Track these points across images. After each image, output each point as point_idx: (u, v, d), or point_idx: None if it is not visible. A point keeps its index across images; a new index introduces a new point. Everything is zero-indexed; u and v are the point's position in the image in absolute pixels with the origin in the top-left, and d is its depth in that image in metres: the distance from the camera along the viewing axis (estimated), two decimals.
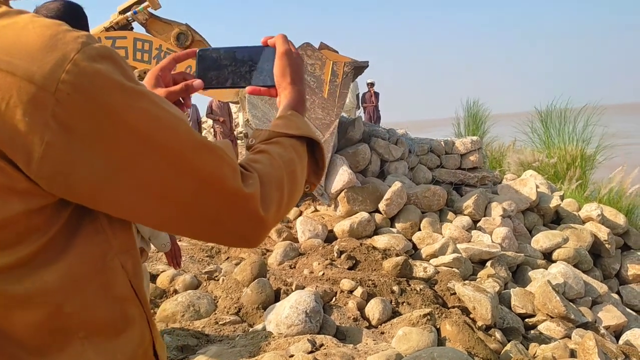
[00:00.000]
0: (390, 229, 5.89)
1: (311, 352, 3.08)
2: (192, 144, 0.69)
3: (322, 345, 3.24)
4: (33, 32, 0.62)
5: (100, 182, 0.64)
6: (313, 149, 0.91)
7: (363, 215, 5.71)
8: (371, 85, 12.95)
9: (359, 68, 6.29)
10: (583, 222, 7.09)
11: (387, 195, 5.99)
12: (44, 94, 0.59)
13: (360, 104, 13.04)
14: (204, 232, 0.74)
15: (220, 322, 3.94)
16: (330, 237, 5.78)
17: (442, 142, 7.84)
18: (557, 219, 7.35)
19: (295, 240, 5.70)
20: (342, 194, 5.96)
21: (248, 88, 1.01)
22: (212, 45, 6.72)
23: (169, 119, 0.68)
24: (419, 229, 6.01)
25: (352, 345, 3.38)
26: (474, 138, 8.05)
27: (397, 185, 6.13)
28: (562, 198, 7.48)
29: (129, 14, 6.02)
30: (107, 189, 0.65)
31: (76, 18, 1.73)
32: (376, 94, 13.02)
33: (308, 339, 3.19)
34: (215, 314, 4.11)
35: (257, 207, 0.74)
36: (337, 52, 6.71)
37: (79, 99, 0.61)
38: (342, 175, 5.88)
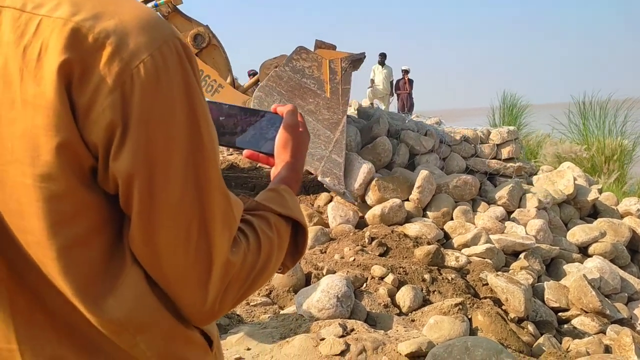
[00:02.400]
0: (422, 218, 5.83)
1: (342, 336, 3.09)
2: (217, 179, 0.70)
3: (352, 329, 3.24)
4: (133, 9, 0.65)
5: (134, 165, 0.64)
6: (297, 230, 0.88)
7: (395, 201, 5.67)
8: (406, 72, 12.80)
9: (357, 61, 6.19)
10: (621, 217, 6.89)
11: (417, 183, 5.92)
12: (124, 65, 0.62)
13: (394, 91, 12.92)
14: (166, 272, 0.69)
15: (251, 304, 3.99)
16: (361, 224, 5.76)
17: (477, 132, 7.70)
18: (594, 213, 7.17)
19: (326, 225, 5.71)
20: (373, 182, 5.92)
21: (246, 152, 0.99)
22: (227, 51, 6.71)
23: (211, 148, 0.69)
24: (452, 218, 5.94)
25: (382, 331, 3.38)
26: (511, 128, 7.88)
27: (424, 172, 6.04)
28: (600, 191, 7.28)
29: (150, 4, 6.04)
30: (136, 175, 0.64)
31: None
32: (410, 81, 12.86)
33: (339, 323, 3.20)
34: None
35: (224, 278, 0.70)
36: (334, 47, 6.65)
37: (150, 85, 0.63)
38: (362, 169, 5.85)
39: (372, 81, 12.88)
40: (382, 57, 12.72)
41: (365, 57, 6.55)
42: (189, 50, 0.68)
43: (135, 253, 0.68)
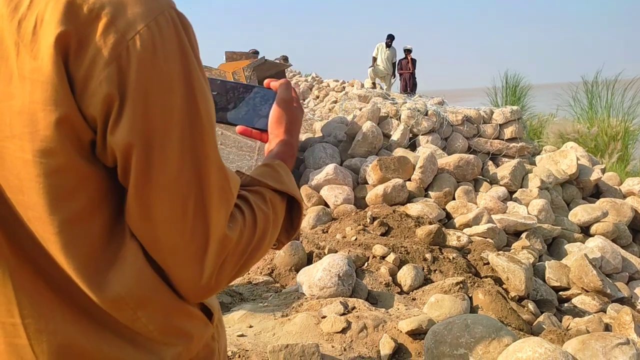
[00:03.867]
0: (425, 198, 5.84)
1: (343, 314, 3.11)
2: (214, 152, 0.69)
3: (354, 307, 3.26)
4: None
5: (132, 137, 0.63)
6: (292, 206, 0.87)
7: (397, 180, 5.67)
8: (408, 52, 12.67)
9: (259, 65, 6.15)
10: (624, 197, 6.89)
11: (419, 163, 5.93)
12: (119, 37, 0.61)
13: (396, 71, 12.81)
14: (168, 243, 0.68)
15: (253, 282, 4.01)
16: (363, 204, 5.77)
17: (480, 112, 7.66)
18: (596, 193, 7.16)
19: (325, 205, 5.73)
20: (375, 162, 5.92)
21: (239, 127, 0.98)
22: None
23: (209, 121, 0.68)
24: (454, 198, 5.94)
25: (383, 309, 3.40)
26: (514, 108, 7.84)
27: (426, 152, 6.05)
28: (603, 171, 7.26)
29: None
30: (135, 146, 0.63)
31: None
32: (413, 61, 12.74)
33: (340, 302, 3.22)
34: (249, 274, 4.19)
35: (221, 252, 0.70)
36: (245, 53, 6.76)
37: (146, 57, 0.62)
38: (327, 169, 6.05)
39: (374, 59, 12.77)
40: (390, 39, 12.59)
41: (265, 59, 6.76)
42: (186, 21, 0.67)
43: (132, 227, 0.67)
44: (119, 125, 0.62)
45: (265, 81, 0.99)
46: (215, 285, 0.71)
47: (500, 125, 7.60)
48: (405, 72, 12.63)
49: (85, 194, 0.65)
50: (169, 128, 0.64)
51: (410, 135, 7.19)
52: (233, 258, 0.72)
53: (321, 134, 7.65)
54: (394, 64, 12.72)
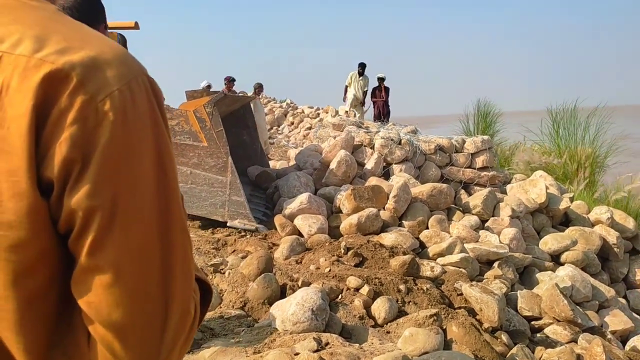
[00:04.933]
0: (398, 228, 5.85)
1: (317, 350, 3.06)
2: (181, 223, 0.67)
3: (327, 343, 3.21)
4: (101, 45, 0.63)
5: (79, 204, 0.60)
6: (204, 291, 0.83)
7: (371, 210, 5.68)
8: (381, 80, 12.86)
9: (219, 101, 6.29)
10: (592, 225, 7.02)
11: (393, 192, 5.96)
12: (88, 99, 0.59)
13: (370, 99, 12.98)
14: (117, 321, 0.62)
15: (225, 317, 3.93)
16: (336, 233, 5.75)
17: (452, 141, 7.78)
18: (566, 221, 7.29)
19: (299, 234, 5.69)
20: (349, 191, 5.95)
21: None
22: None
23: (175, 189, 0.67)
24: (427, 227, 5.97)
25: (357, 344, 3.36)
26: (485, 137, 7.99)
27: (400, 181, 6.10)
28: (571, 200, 7.41)
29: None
30: (80, 213, 0.60)
31: (95, 9, 1.69)
32: (386, 89, 12.93)
33: (314, 337, 3.17)
34: (221, 307, 4.11)
35: (183, 329, 0.67)
36: (205, 90, 6.91)
37: (117, 119, 0.60)
38: (300, 198, 6.09)
39: (347, 88, 12.92)
40: (362, 68, 12.78)
41: (224, 94, 6.89)
42: (157, 88, 0.66)
43: (78, 298, 0.62)
44: (79, 188, 0.59)
45: None
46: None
47: (472, 154, 7.72)
48: (378, 100, 12.80)
49: (46, 268, 0.62)
50: (136, 193, 0.62)
51: (384, 164, 7.24)
52: (185, 337, 0.68)
53: (294, 162, 7.64)
54: (365, 92, 12.90)
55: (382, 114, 12.58)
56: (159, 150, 0.64)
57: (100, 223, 0.60)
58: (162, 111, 0.66)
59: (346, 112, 12.99)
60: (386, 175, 7.14)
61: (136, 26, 5.79)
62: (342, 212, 6.05)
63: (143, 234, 0.62)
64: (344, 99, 13.00)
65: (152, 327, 0.63)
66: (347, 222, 5.69)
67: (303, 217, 5.80)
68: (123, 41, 5.94)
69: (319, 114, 17.17)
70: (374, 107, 12.93)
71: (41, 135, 0.58)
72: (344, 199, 6.03)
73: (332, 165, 6.77)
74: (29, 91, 0.57)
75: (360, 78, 12.78)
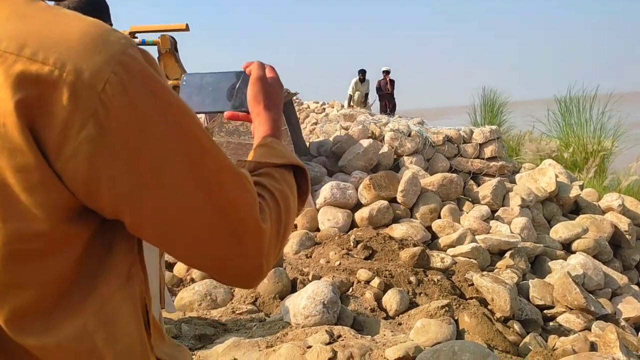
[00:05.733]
0: (410, 219, 5.83)
1: (329, 343, 3.07)
2: (223, 165, 0.68)
3: (339, 336, 3.22)
4: (79, 29, 0.61)
5: (122, 193, 0.61)
6: (295, 175, 0.88)
7: (382, 203, 5.67)
8: (387, 73, 12.81)
9: (286, 95, 6.18)
10: (603, 213, 6.97)
11: (400, 187, 5.93)
12: (89, 92, 0.58)
13: (376, 92, 12.93)
14: (211, 266, 0.71)
15: (237, 312, 3.94)
16: (352, 227, 5.75)
17: (460, 132, 7.74)
18: (576, 209, 7.24)
19: (317, 229, 5.70)
20: (367, 180, 5.92)
21: (226, 113, 1.00)
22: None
23: (204, 137, 0.66)
24: (439, 217, 5.95)
25: (369, 336, 3.36)
26: (493, 127, 7.94)
27: (408, 174, 6.06)
28: (581, 188, 7.36)
29: (137, 40, 5.52)
30: (127, 202, 0.62)
31: (99, 10, 1.69)
32: (392, 82, 12.88)
33: (326, 330, 3.18)
34: (232, 303, 4.12)
35: (265, 245, 0.72)
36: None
37: (122, 102, 0.59)
38: (326, 186, 6.02)
39: (350, 97, 12.84)
40: (362, 74, 12.69)
41: (291, 93, 6.72)
42: (147, 54, 0.65)
43: (187, 263, 0.71)
44: (116, 180, 0.60)
45: (243, 64, 1.00)
46: (267, 270, 0.74)
47: (480, 144, 7.68)
48: (384, 92, 12.75)
49: (64, 254, 0.63)
50: (172, 163, 0.63)
51: (395, 156, 7.23)
52: (272, 243, 0.74)
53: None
54: (366, 94, 12.86)
55: (388, 107, 12.54)
56: (171, 110, 0.63)
57: (145, 204, 0.62)
58: (158, 72, 0.65)
59: (351, 106, 12.97)
60: (396, 168, 7.12)
61: (187, 28, 5.77)
62: (361, 203, 6.00)
63: (192, 192, 0.64)
64: (349, 106, 12.94)
65: (244, 259, 0.71)
66: (359, 216, 5.68)
67: (323, 211, 5.78)
68: (174, 43, 5.92)
69: (324, 109, 17.14)
70: (379, 100, 12.88)
71: (47, 137, 0.57)
72: (361, 189, 5.96)
73: (358, 149, 6.76)
74: (16, 90, 0.56)
75: (362, 84, 12.69)
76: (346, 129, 7.92)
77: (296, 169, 0.88)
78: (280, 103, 0.98)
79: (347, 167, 6.79)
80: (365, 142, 6.90)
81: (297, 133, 7.90)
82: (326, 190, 5.94)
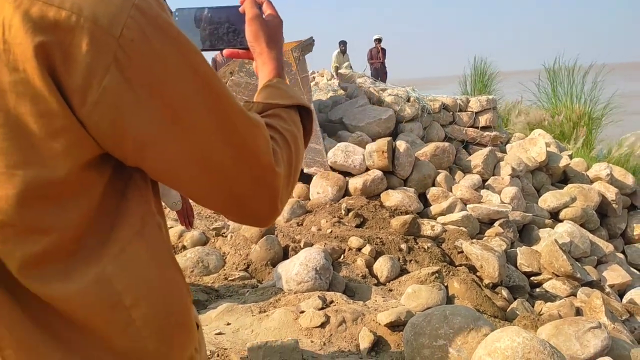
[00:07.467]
0: (404, 188, 5.81)
1: (322, 308, 3.10)
2: (237, 109, 0.68)
3: (332, 301, 3.26)
4: None
5: (147, 138, 0.62)
6: (301, 115, 0.89)
7: (376, 173, 5.64)
8: (378, 41, 12.66)
9: (307, 45, 6.11)
10: (591, 182, 7.06)
11: (395, 161, 5.91)
12: (108, 37, 0.58)
13: (367, 60, 12.80)
14: (229, 205, 0.73)
15: (229, 278, 3.97)
16: (339, 196, 5.73)
17: (456, 99, 7.73)
18: (565, 179, 7.32)
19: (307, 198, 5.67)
20: (384, 144, 5.82)
21: (225, 51, 0.99)
22: None
23: (218, 83, 0.67)
24: (433, 184, 5.96)
25: (361, 302, 3.41)
26: (490, 97, 7.94)
27: (402, 145, 6.03)
28: (570, 157, 7.43)
29: None
30: (152, 146, 0.63)
31: None
32: (383, 50, 12.75)
33: (319, 296, 3.21)
34: (224, 270, 4.14)
35: (280, 187, 0.73)
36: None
37: (142, 47, 0.59)
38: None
39: (337, 68, 12.66)
40: (344, 45, 12.47)
41: (313, 42, 6.58)
42: None
43: (201, 203, 0.72)
44: (141, 122, 0.61)
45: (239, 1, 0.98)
46: (281, 210, 0.77)
47: (475, 113, 7.67)
48: (375, 61, 12.63)
49: (83, 200, 0.63)
50: (190, 104, 0.63)
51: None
52: (286, 183, 0.76)
53: None
54: (350, 66, 12.69)
55: (379, 76, 12.43)
56: (189, 54, 0.64)
57: (178, 153, 0.64)
58: (169, 15, 0.65)
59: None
60: (393, 135, 7.09)
61: None
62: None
63: (212, 129, 0.65)
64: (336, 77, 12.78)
65: (262, 199, 0.73)
66: (352, 186, 5.60)
67: (315, 182, 5.74)
68: None
69: (314, 77, 16.97)
70: (370, 69, 12.77)
71: (69, 83, 0.57)
72: (373, 152, 5.77)
73: (383, 115, 6.72)
74: (34, 34, 0.55)
75: (343, 56, 12.49)
76: (344, 89, 7.88)
77: (300, 109, 0.88)
78: (281, 40, 0.97)
79: (364, 128, 6.67)
80: (387, 111, 6.81)
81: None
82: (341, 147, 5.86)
